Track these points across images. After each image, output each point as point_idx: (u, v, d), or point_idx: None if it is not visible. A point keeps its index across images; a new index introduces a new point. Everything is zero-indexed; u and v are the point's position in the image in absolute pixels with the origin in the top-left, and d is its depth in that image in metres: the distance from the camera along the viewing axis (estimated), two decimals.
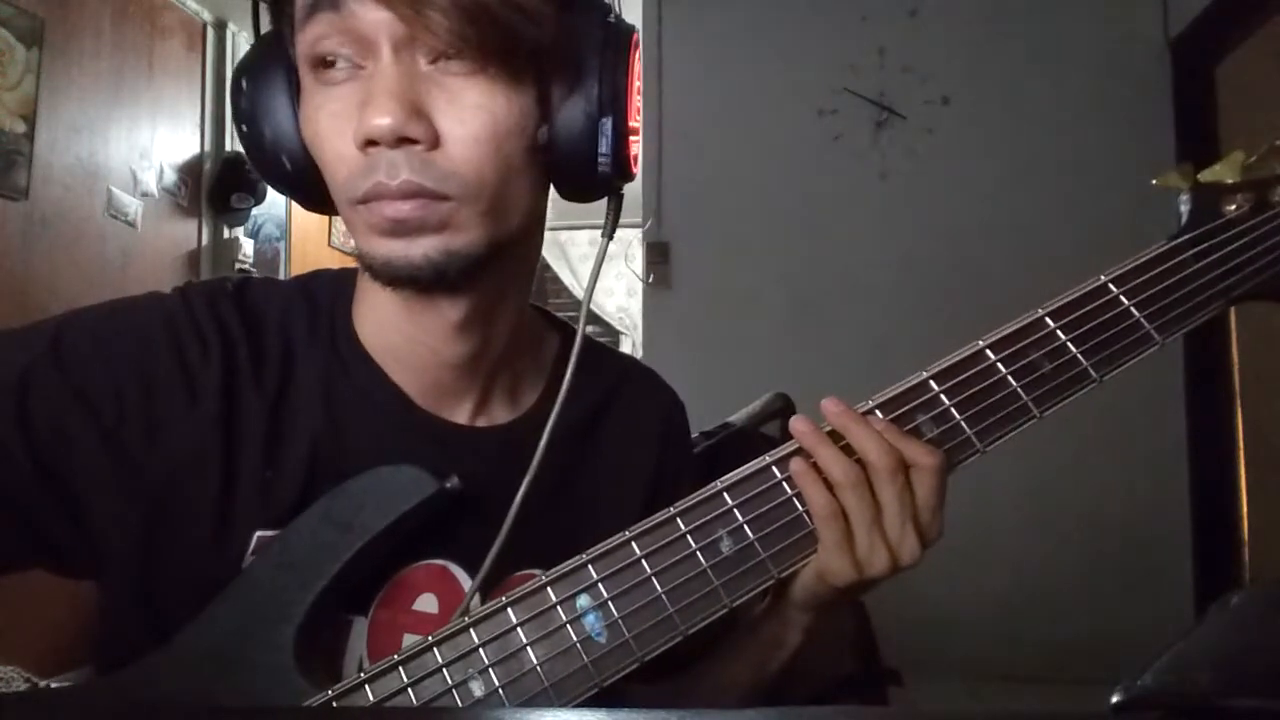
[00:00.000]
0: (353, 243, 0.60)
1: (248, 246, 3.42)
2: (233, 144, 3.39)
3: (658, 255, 2.73)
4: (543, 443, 0.62)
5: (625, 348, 4.74)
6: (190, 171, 3.23)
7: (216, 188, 3.31)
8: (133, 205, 2.91)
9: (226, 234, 3.37)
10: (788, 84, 2.57)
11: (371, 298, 0.64)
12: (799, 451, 0.58)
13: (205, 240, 3.30)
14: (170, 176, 3.13)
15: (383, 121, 0.52)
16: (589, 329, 0.72)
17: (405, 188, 0.54)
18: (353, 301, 0.66)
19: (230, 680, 0.54)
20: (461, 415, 0.66)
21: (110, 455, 0.57)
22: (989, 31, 2.55)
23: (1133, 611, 2.20)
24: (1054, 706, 0.49)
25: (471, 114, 0.54)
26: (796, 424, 0.58)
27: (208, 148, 3.32)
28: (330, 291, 0.67)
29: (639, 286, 3.10)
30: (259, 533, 0.59)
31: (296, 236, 3.91)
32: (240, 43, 3.46)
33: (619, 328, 4.91)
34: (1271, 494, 2.07)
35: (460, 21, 0.52)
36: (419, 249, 0.55)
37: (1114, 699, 0.40)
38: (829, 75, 2.58)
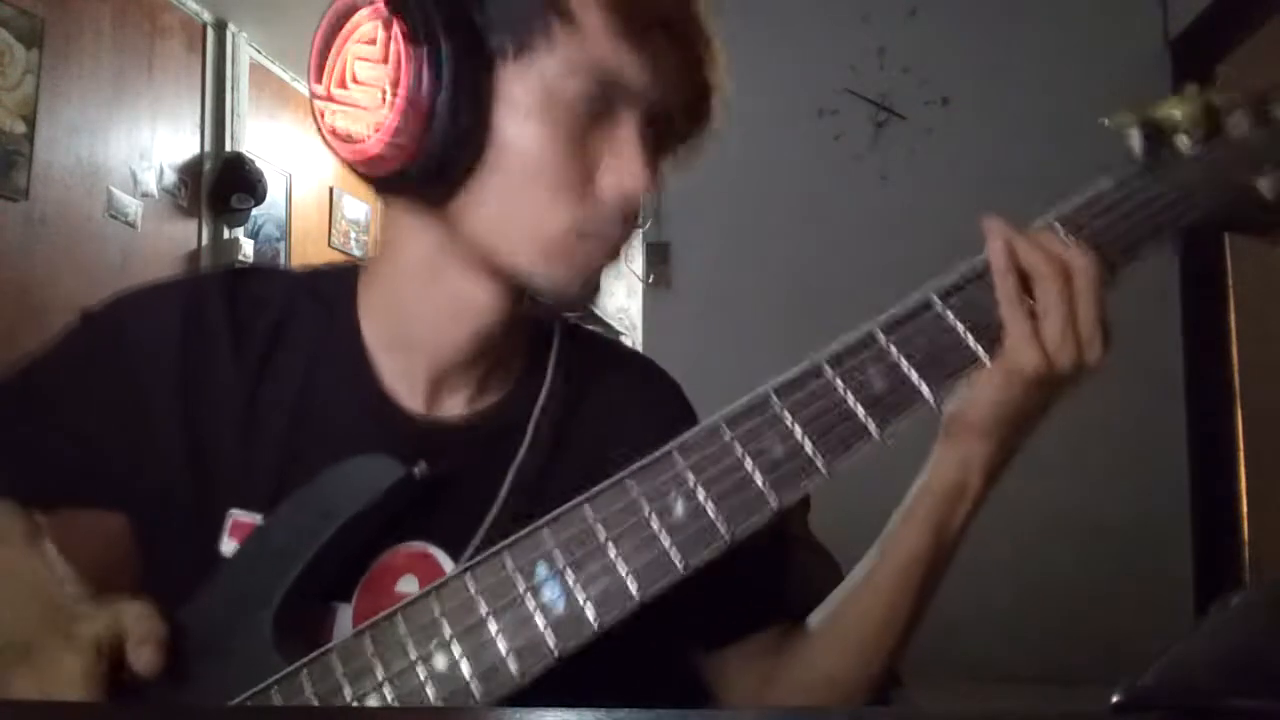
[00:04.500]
0: (481, 246, 0.62)
1: (248, 247, 3.42)
2: (233, 144, 3.40)
3: (658, 255, 2.72)
4: (530, 427, 0.67)
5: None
6: (190, 172, 3.23)
7: (216, 188, 3.31)
8: (133, 205, 2.91)
9: (226, 234, 3.37)
10: (788, 84, 2.57)
11: (390, 289, 0.67)
12: (757, 404, 0.55)
13: (205, 240, 3.30)
14: (170, 177, 3.13)
15: (641, 188, 0.60)
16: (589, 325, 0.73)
17: (622, 240, 0.62)
18: (357, 293, 0.69)
19: (213, 667, 0.57)
20: (455, 403, 0.68)
21: (110, 442, 0.65)
22: (989, 31, 2.55)
23: (1133, 611, 2.19)
24: (1054, 706, 0.49)
25: (657, 178, 0.62)
26: (990, 220, 0.58)
27: (208, 148, 3.32)
28: (335, 283, 0.70)
29: (639, 287, 3.10)
30: (233, 513, 0.63)
31: (296, 237, 3.91)
32: (240, 43, 3.46)
33: (618, 328, 4.91)
34: (1271, 494, 2.07)
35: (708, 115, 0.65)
36: (593, 280, 0.63)
37: (1114, 699, 0.40)
38: (829, 75, 2.58)
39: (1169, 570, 2.30)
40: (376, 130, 0.57)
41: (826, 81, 2.58)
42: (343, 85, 0.59)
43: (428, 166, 0.57)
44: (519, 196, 0.59)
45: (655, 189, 0.61)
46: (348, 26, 0.59)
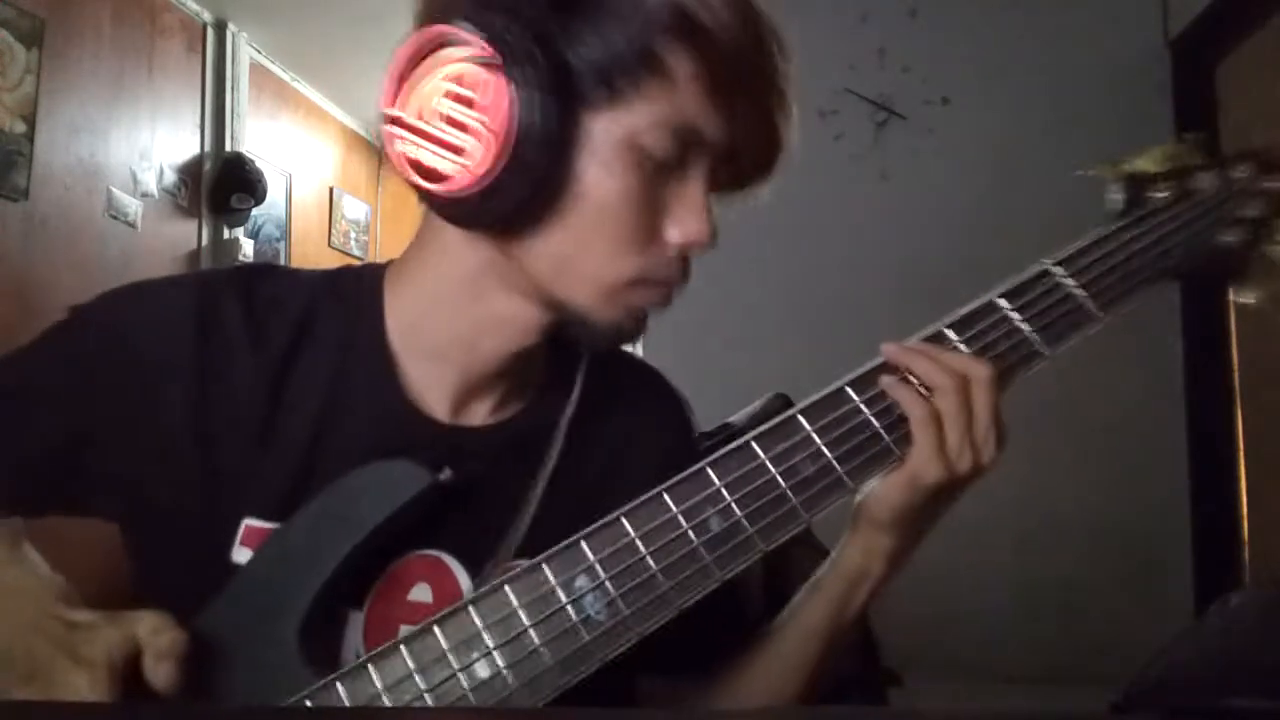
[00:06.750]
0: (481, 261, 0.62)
1: (248, 247, 3.42)
2: (233, 144, 3.39)
3: None
4: (560, 435, 0.67)
5: (623, 347, 4.74)
6: (190, 172, 3.23)
7: (216, 188, 3.31)
8: (133, 205, 2.91)
9: (226, 234, 3.37)
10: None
11: (426, 297, 0.66)
12: (786, 424, 0.59)
13: (205, 240, 3.30)
14: (170, 177, 3.13)
15: (708, 240, 0.61)
16: None
17: (678, 285, 0.62)
18: (384, 296, 0.68)
19: (235, 678, 0.55)
20: (479, 411, 0.68)
21: (109, 444, 0.62)
22: (989, 31, 2.55)
23: (1133, 611, 2.19)
24: (1054, 706, 0.50)
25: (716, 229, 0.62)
26: (888, 346, 0.63)
27: (208, 148, 3.32)
28: (358, 286, 0.69)
29: None
30: (247, 520, 0.61)
31: (296, 237, 3.91)
32: (240, 43, 3.46)
33: None
34: (1271, 494, 2.07)
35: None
36: (642, 320, 0.63)
37: (1114, 699, 0.40)
38: (829, 75, 2.58)
39: (1169, 570, 2.30)
40: (466, 172, 0.56)
41: (826, 81, 2.57)
42: (422, 117, 0.57)
43: (509, 209, 0.57)
44: (586, 241, 0.59)
45: (716, 240, 0.62)
46: (436, 58, 0.57)
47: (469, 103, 0.56)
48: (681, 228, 0.60)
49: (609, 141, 0.57)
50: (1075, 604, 2.28)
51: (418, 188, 0.59)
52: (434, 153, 0.57)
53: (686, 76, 0.57)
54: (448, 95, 0.57)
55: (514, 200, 0.56)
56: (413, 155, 0.58)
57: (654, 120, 0.57)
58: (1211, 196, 0.68)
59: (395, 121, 0.58)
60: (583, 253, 0.59)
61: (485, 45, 0.55)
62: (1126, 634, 2.11)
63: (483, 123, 0.55)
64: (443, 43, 0.57)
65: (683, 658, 0.71)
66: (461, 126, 0.56)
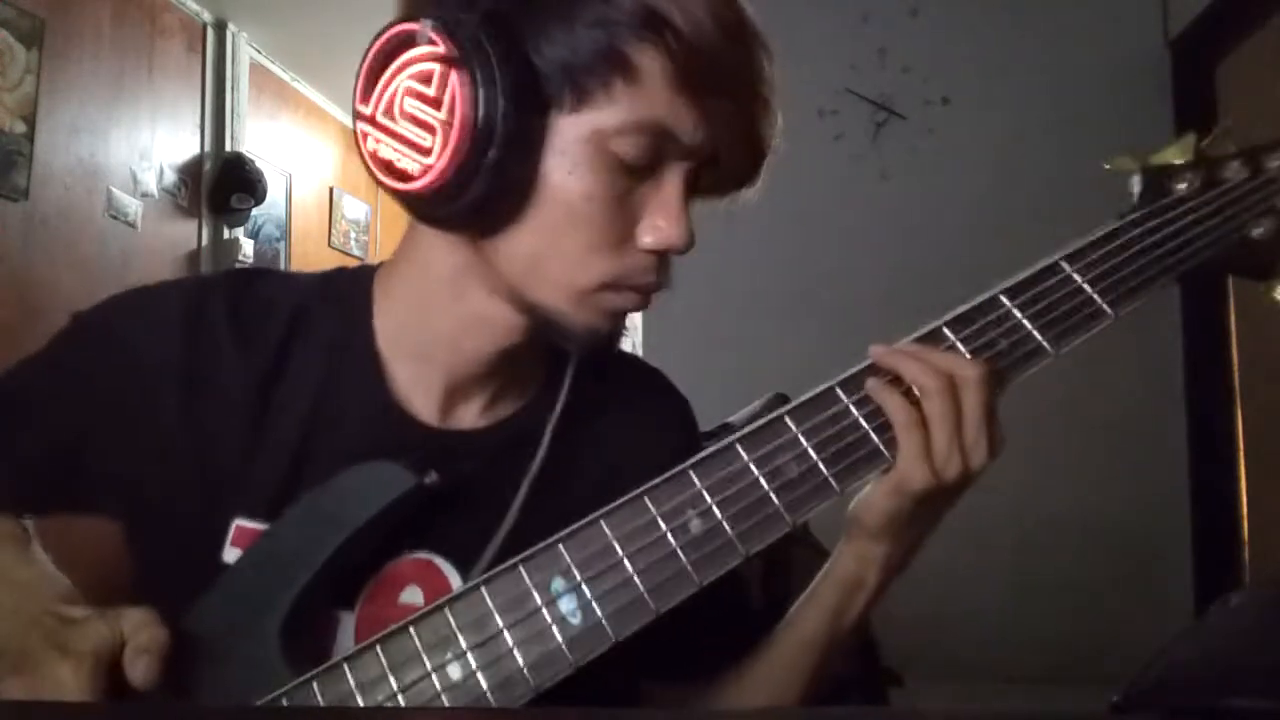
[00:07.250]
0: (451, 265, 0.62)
1: (248, 247, 3.42)
2: (233, 144, 3.39)
3: None
4: (545, 440, 0.66)
5: (624, 348, 4.73)
6: (190, 172, 3.23)
7: (216, 188, 3.30)
8: (133, 205, 2.91)
9: (226, 234, 3.37)
10: (788, 84, 2.56)
11: (412, 298, 0.66)
12: (772, 425, 0.58)
13: (205, 240, 3.30)
14: (170, 177, 3.13)
15: (682, 244, 0.59)
16: None
17: (654, 289, 0.61)
18: (373, 297, 0.68)
19: (216, 674, 0.56)
20: (469, 413, 0.68)
21: (106, 445, 0.64)
22: (989, 32, 2.55)
23: (1133, 611, 2.19)
24: (1054, 706, 0.50)
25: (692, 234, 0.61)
26: (876, 348, 0.60)
27: (208, 148, 3.32)
28: (351, 288, 0.69)
29: None
30: (237, 520, 0.61)
31: (296, 237, 3.91)
32: (240, 43, 3.46)
33: None
34: (1271, 494, 2.07)
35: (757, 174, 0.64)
36: (619, 323, 0.63)
37: (1114, 699, 0.40)
38: (829, 75, 2.58)
39: (1169, 570, 2.30)
40: (425, 171, 0.56)
41: (826, 81, 2.57)
42: (390, 115, 0.57)
43: (470, 210, 0.57)
44: (555, 244, 0.58)
45: (693, 243, 0.60)
46: (403, 57, 0.57)
47: (434, 102, 0.56)
48: (655, 231, 0.59)
49: (577, 143, 0.56)
50: (1075, 604, 2.28)
51: (384, 186, 0.59)
52: (399, 151, 0.57)
53: (657, 78, 0.56)
54: (412, 94, 0.56)
55: (473, 199, 0.56)
56: (381, 153, 0.58)
57: (623, 122, 0.56)
58: (1240, 185, 0.64)
59: (365, 119, 0.59)
60: (553, 255, 0.59)
61: (445, 42, 0.55)
62: (1126, 634, 2.11)
63: (441, 121, 0.55)
64: (408, 40, 0.57)
65: (685, 664, 0.71)
66: (425, 125, 0.56)
